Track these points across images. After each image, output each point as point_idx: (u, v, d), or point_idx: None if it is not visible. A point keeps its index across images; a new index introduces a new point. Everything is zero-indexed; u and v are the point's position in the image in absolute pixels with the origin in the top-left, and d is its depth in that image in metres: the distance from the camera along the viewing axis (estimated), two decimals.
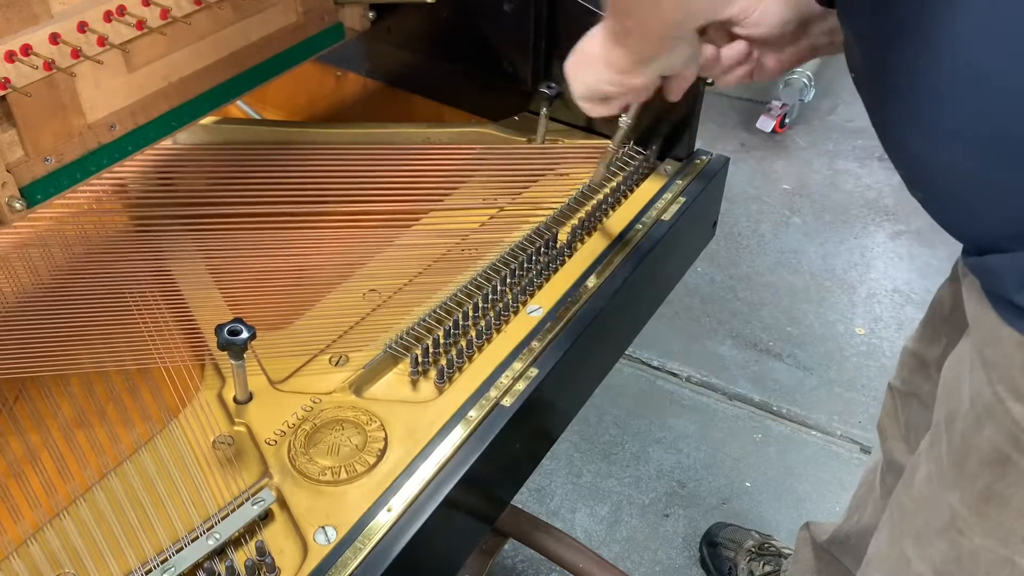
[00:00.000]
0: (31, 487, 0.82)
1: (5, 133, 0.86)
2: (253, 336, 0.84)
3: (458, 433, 0.86)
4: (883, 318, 2.24)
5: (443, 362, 0.93)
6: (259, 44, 1.09)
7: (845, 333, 2.20)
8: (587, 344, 0.99)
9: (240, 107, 1.46)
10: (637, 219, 1.13)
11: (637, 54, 0.82)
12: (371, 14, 1.23)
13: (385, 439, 0.86)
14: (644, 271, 1.08)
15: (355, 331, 0.98)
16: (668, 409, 2.00)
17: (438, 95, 1.40)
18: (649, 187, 1.18)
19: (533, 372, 0.93)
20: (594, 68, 0.85)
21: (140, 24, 0.91)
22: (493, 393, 0.90)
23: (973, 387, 0.75)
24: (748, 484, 1.85)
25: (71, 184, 0.93)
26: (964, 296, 0.76)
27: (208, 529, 0.77)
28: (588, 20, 0.90)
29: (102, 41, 0.88)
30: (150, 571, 0.75)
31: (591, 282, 1.04)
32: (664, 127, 1.21)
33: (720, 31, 0.92)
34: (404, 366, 0.94)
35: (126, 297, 0.99)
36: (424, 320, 0.98)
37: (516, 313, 1.00)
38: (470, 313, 0.98)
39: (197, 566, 0.75)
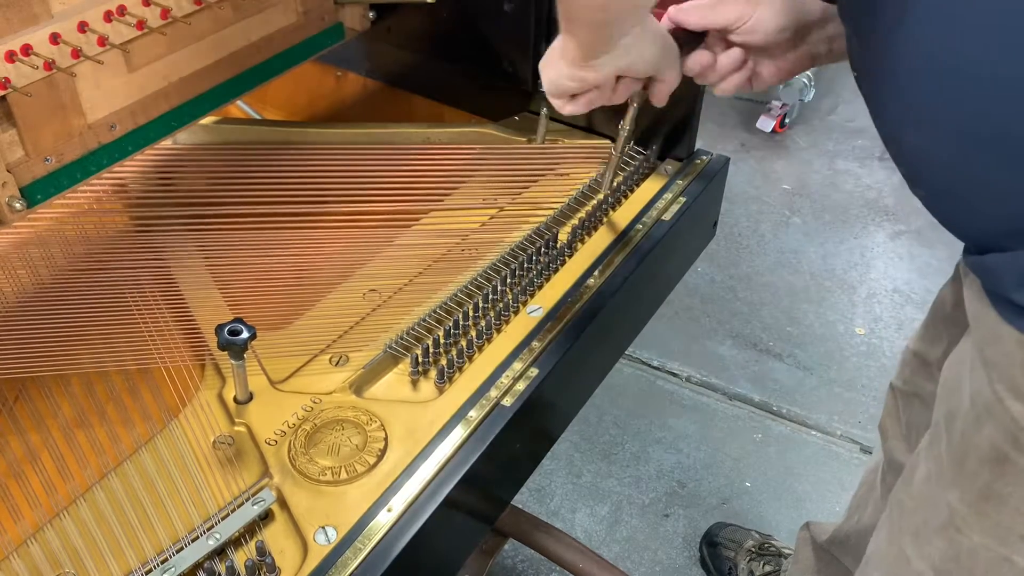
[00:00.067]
0: (31, 487, 0.82)
1: (5, 133, 0.86)
2: (253, 336, 0.84)
3: (458, 433, 0.86)
4: (883, 318, 2.24)
5: (443, 362, 0.93)
6: (259, 44, 1.09)
7: (845, 333, 2.20)
8: (587, 344, 0.99)
9: (240, 107, 1.46)
10: (637, 219, 1.13)
11: (584, 46, 0.82)
12: (371, 14, 1.23)
13: (385, 439, 0.86)
14: (644, 271, 1.08)
15: (355, 331, 0.98)
16: (668, 409, 2.00)
17: (438, 95, 1.40)
18: (649, 187, 1.18)
19: (533, 372, 0.93)
20: (556, 63, 0.85)
21: (140, 24, 0.91)
22: (493, 393, 0.90)
23: (973, 386, 0.75)
24: (748, 484, 1.85)
25: (71, 184, 0.93)
26: (965, 295, 0.76)
27: (208, 529, 0.77)
28: None
29: (102, 41, 0.88)
30: (150, 571, 0.75)
31: (591, 282, 1.04)
32: (664, 127, 1.21)
33: (717, 39, 0.92)
34: (404, 366, 0.94)
35: (126, 297, 0.99)
36: (424, 320, 0.98)
37: (516, 313, 1.00)
38: (470, 313, 0.98)
39: (197, 566, 0.75)
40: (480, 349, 0.96)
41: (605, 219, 1.13)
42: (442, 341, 0.95)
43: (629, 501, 1.81)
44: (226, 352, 0.85)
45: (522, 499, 1.78)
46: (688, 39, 0.91)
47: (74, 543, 0.77)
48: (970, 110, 0.64)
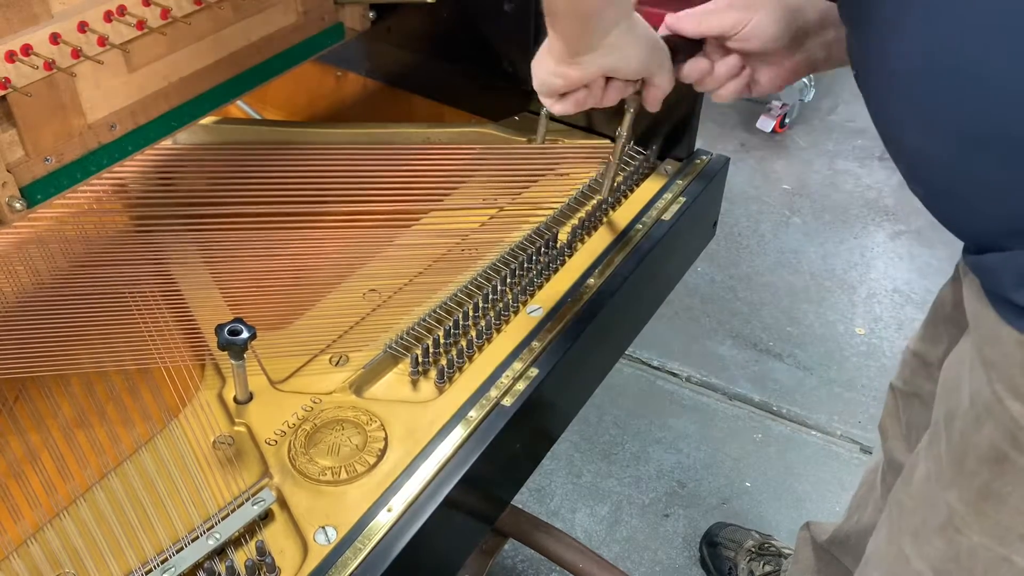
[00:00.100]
0: (31, 487, 0.82)
1: (5, 133, 0.86)
2: (253, 336, 0.84)
3: (458, 433, 0.86)
4: (883, 318, 2.24)
5: (443, 362, 0.93)
6: (259, 44, 1.09)
7: (845, 333, 2.20)
8: (587, 344, 0.99)
9: (240, 107, 1.46)
10: (637, 219, 1.13)
11: (568, 42, 0.82)
12: (371, 14, 1.23)
13: (385, 439, 0.86)
14: (644, 271, 1.08)
15: (355, 331, 0.98)
16: (668, 409, 2.00)
17: (438, 95, 1.40)
18: (649, 187, 1.18)
19: (533, 372, 0.93)
20: (544, 60, 0.85)
21: (140, 24, 0.91)
22: (493, 393, 0.90)
23: (973, 386, 0.75)
24: (748, 484, 1.85)
25: (71, 184, 0.93)
26: (964, 295, 0.77)
27: (208, 529, 0.77)
28: None
29: (102, 41, 0.88)
30: (150, 571, 0.75)
31: (591, 282, 1.04)
32: (664, 127, 1.21)
33: (715, 46, 0.92)
34: (404, 366, 0.94)
35: (126, 297, 0.99)
36: (424, 320, 0.98)
37: (516, 313, 1.00)
38: (470, 313, 0.98)
39: (197, 566, 0.75)
40: (480, 349, 0.96)
41: (605, 219, 1.14)
42: (442, 341, 0.95)
43: (629, 501, 1.81)
44: (226, 352, 0.85)
45: (522, 499, 1.78)
46: (686, 47, 0.92)
47: (74, 543, 0.77)
48: (969, 109, 0.64)
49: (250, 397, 0.90)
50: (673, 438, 1.94)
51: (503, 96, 1.30)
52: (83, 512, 0.79)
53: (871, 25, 0.70)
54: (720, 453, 1.91)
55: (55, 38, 0.85)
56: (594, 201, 1.15)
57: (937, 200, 0.73)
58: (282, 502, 0.81)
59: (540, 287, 1.03)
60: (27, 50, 0.83)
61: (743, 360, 2.13)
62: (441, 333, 0.96)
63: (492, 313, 0.98)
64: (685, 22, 0.90)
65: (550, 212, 1.13)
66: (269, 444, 0.86)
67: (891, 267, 2.40)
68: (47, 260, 1.04)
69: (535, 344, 0.95)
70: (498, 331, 0.98)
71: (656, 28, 0.91)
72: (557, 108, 0.88)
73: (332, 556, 0.76)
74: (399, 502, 0.80)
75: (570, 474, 1.85)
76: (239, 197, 1.12)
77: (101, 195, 1.14)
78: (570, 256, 1.08)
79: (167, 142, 1.12)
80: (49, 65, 0.85)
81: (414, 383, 0.93)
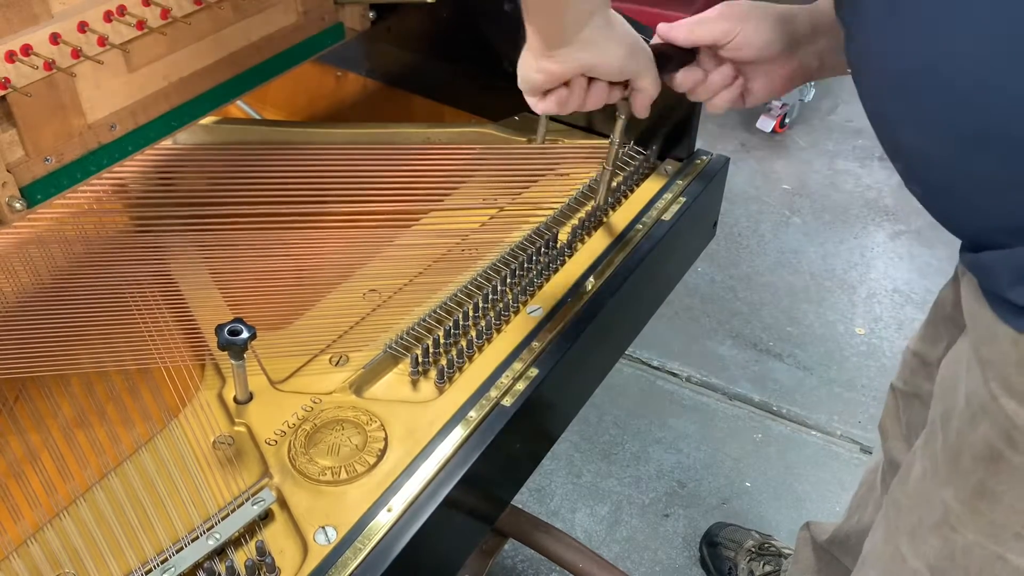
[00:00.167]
0: (31, 487, 0.82)
1: (5, 133, 0.86)
2: (253, 336, 0.84)
3: (458, 433, 0.86)
4: (883, 318, 2.24)
5: (443, 362, 0.93)
6: (259, 44, 1.09)
7: (845, 333, 2.20)
8: (587, 344, 0.99)
9: (240, 107, 1.46)
10: (637, 219, 1.13)
11: (544, 34, 0.82)
12: (371, 14, 1.23)
13: (385, 439, 0.86)
14: (644, 271, 1.08)
15: (355, 331, 0.98)
16: (668, 409, 2.00)
17: (438, 95, 1.40)
18: (649, 187, 1.18)
19: (533, 372, 0.93)
20: (525, 56, 0.86)
21: (140, 24, 0.91)
22: (493, 393, 0.90)
23: (969, 385, 0.75)
24: (748, 484, 1.85)
25: (71, 184, 0.93)
26: (962, 294, 0.77)
27: (208, 529, 0.77)
28: None
29: (102, 41, 0.88)
30: (150, 571, 0.75)
31: (591, 282, 1.04)
32: (665, 127, 1.21)
33: (709, 56, 0.92)
34: (404, 366, 0.94)
35: (126, 297, 0.99)
36: (424, 320, 0.98)
37: (516, 313, 1.00)
38: (470, 313, 0.98)
39: (197, 566, 0.75)
40: (480, 349, 0.96)
41: (605, 219, 1.13)
42: (442, 341, 0.95)
43: (629, 501, 1.81)
44: (226, 352, 0.85)
45: (522, 499, 1.78)
46: (678, 55, 0.92)
47: (74, 543, 0.77)
48: (967, 108, 0.64)
49: (250, 397, 0.90)
50: (673, 438, 1.94)
51: (503, 96, 1.30)
52: (83, 512, 0.79)
53: (867, 25, 0.70)
54: (720, 453, 1.91)
55: (55, 38, 0.85)
56: (594, 201, 1.14)
57: (935, 198, 0.74)
58: (282, 502, 0.81)
59: (540, 287, 1.03)
60: (27, 50, 0.83)
61: (743, 360, 2.13)
62: (441, 333, 0.96)
63: (492, 313, 0.98)
64: (676, 31, 0.91)
65: (550, 212, 1.13)
66: (269, 444, 0.86)
67: (891, 267, 2.40)
68: (47, 260, 1.04)
69: (535, 344, 0.95)
70: (498, 331, 0.98)
71: (653, 28, 0.91)
72: (540, 107, 0.88)
73: (332, 556, 0.76)
74: (399, 502, 0.80)
75: (570, 474, 1.85)
76: (239, 197, 1.12)
77: (101, 195, 1.14)
78: (570, 256, 1.08)
79: (167, 142, 1.12)
80: (49, 65, 0.85)
81: (414, 383, 0.93)
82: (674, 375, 2.09)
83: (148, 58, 0.96)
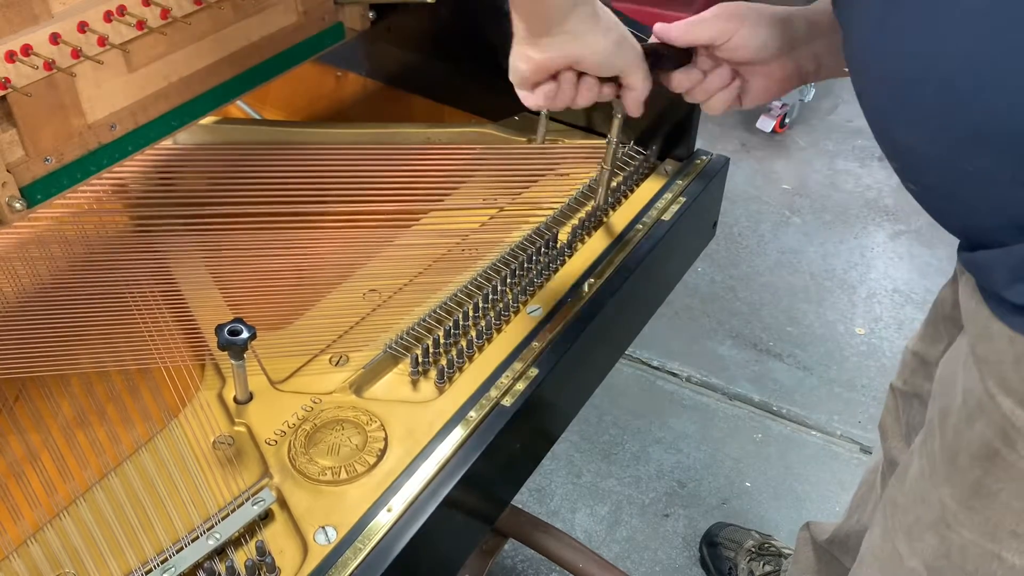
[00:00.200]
0: (31, 487, 0.82)
1: (5, 133, 0.86)
2: (253, 336, 0.84)
3: (458, 433, 0.86)
4: (883, 318, 2.24)
5: (443, 362, 0.93)
6: (259, 44, 1.09)
7: (845, 333, 2.20)
8: (587, 344, 0.99)
9: (240, 107, 1.46)
10: (637, 219, 1.13)
11: (526, 22, 0.82)
12: (371, 14, 1.23)
13: (385, 439, 0.86)
14: (644, 271, 1.08)
15: (355, 331, 0.98)
16: (668, 409, 2.00)
17: (438, 95, 1.40)
18: (649, 187, 1.18)
19: (533, 372, 0.93)
20: (514, 47, 0.86)
21: (140, 24, 0.91)
22: (493, 393, 0.90)
23: (966, 383, 0.76)
24: (748, 484, 1.85)
25: (71, 184, 0.93)
26: (959, 293, 0.77)
27: (208, 529, 0.77)
28: None
29: (102, 41, 0.88)
30: (150, 571, 0.75)
31: (591, 282, 1.04)
32: (664, 127, 1.21)
33: (707, 57, 0.92)
34: (404, 366, 0.94)
35: (126, 297, 0.99)
36: (424, 320, 0.98)
37: (516, 313, 1.00)
38: (470, 313, 0.98)
39: (197, 566, 0.75)
40: (480, 349, 0.96)
41: (605, 219, 1.14)
42: (442, 341, 0.95)
43: (629, 501, 1.81)
44: (226, 352, 0.85)
45: (522, 499, 1.78)
46: (675, 56, 0.92)
47: (74, 543, 0.77)
48: (963, 106, 0.64)
49: (250, 397, 0.90)
50: (673, 438, 1.94)
51: (503, 96, 1.29)
52: (83, 512, 0.79)
53: (865, 23, 0.70)
54: (720, 453, 1.91)
55: (55, 38, 0.85)
56: (594, 201, 1.15)
57: (931, 197, 0.74)
58: (282, 502, 0.81)
59: (540, 287, 1.03)
60: (27, 50, 0.83)
61: (743, 360, 2.13)
62: (441, 333, 0.96)
63: (492, 313, 0.98)
64: (672, 30, 0.91)
65: (550, 212, 1.13)
66: (269, 444, 0.86)
67: (891, 267, 2.40)
68: (47, 260, 1.04)
69: (535, 344, 0.95)
70: (498, 331, 0.98)
71: (651, 27, 0.91)
72: (530, 101, 0.88)
73: (332, 556, 0.76)
74: (399, 502, 0.80)
75: (570, 474, 1.85)
76: (239, 197, 1.12)
77: (101, 195, 1.14)
78: (570, 256, 1.08)
79: (167, 142, 1.12)
80: (49, 65, 0.85)
81: (414, 383, 0.93)
82: (674, 375, 2.09)
83: (148, 58, 0.96)
